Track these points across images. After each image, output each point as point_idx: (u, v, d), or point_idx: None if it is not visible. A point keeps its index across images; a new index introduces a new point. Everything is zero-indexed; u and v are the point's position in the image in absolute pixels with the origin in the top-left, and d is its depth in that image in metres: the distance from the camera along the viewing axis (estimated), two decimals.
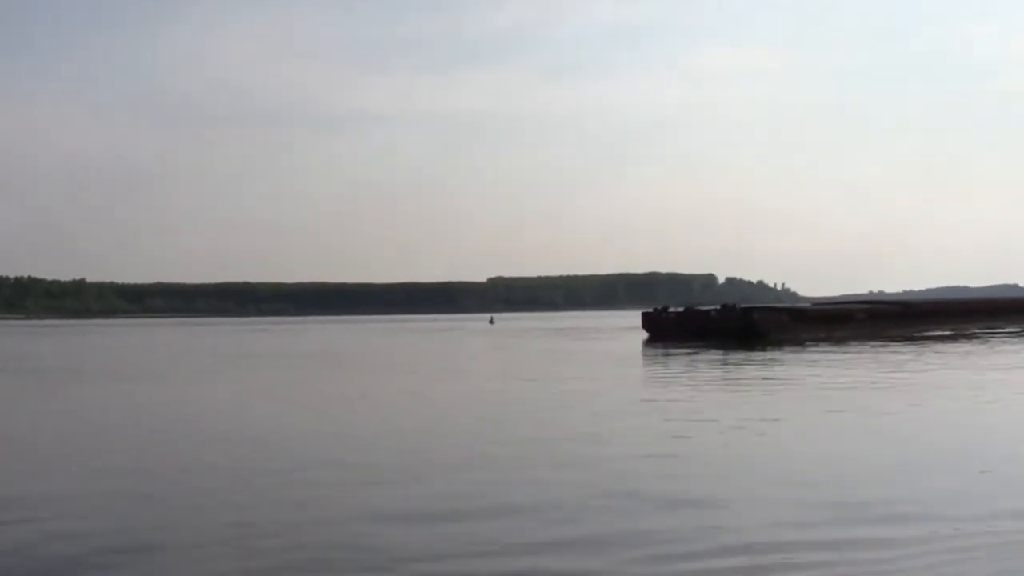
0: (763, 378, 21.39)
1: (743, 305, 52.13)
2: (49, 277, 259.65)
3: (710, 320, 48.28)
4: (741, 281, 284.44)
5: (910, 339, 43.20)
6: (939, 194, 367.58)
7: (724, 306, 50.40)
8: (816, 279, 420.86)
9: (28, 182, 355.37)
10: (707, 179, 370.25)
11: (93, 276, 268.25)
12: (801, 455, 10.72)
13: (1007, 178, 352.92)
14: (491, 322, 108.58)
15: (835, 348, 36.75)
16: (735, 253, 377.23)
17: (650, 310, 52.61)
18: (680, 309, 52.24)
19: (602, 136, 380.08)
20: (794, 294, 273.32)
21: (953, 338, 45.53)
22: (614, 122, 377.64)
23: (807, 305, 69.02)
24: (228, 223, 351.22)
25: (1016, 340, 41.19)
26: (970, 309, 65.68)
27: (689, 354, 33.37)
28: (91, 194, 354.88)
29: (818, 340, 42.99)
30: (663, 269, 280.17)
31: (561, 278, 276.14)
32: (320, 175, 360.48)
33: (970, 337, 45.60)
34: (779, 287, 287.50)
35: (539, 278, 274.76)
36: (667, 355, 34.69)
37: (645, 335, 51.29)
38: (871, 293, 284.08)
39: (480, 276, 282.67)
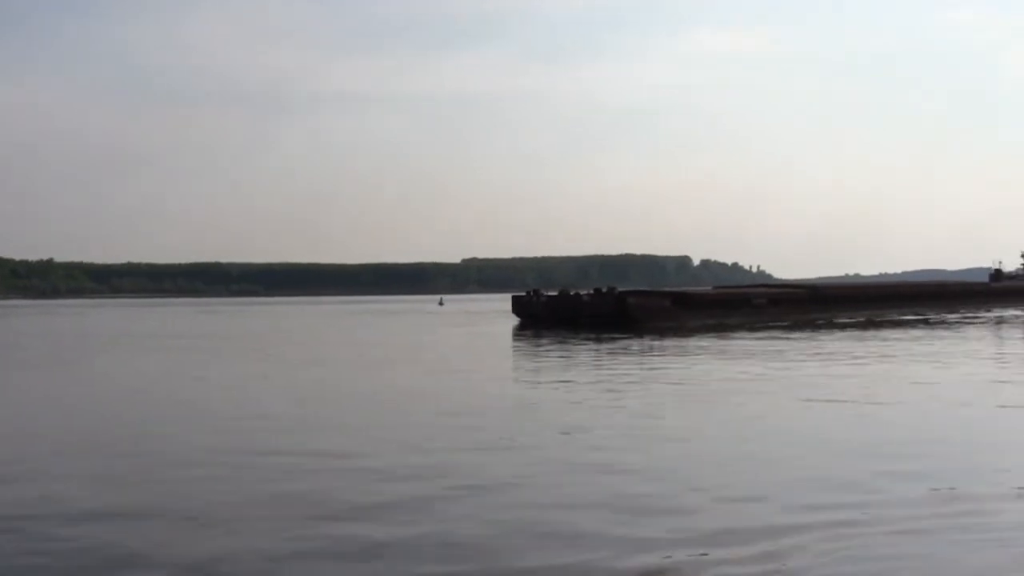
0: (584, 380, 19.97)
1: (621, 289, 47.77)
2: (17, 257, 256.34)
3: (583, 305, 45.16)
4: (716, 263, 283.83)
5: (812, 326, 41.03)
6: (916, 178, 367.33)
7: (597, 290, 46.77)
8: (792, 261, 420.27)
9: None
10: (685, 162, 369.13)
11: (62, 256, 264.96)
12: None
13: (985, 162, 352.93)
14: (440, 303, 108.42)
15: (717, 337, 33.79)
16: (711, 235, 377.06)
17: (521, 294, 50.09)
18: (553, 293, 48.60)
19: (582, 119, 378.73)
20: (769, 276, 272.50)
21: (862, 325, 43.40)
22: (595, 105, 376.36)
23: (707, 289, 65.10)
24: (200, 203, 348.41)
25: (921, 329, 38.98)
26: (888, 294, 63.26)
27: (543, 344, 31.17)
28: (61, 174, 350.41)
29: (707, 328, 40.46)
30: (638, 251, 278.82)
31: (535, 259, 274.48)
32: (296, 156, 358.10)
33: (879, 324, 43.47)
34: (754, 269, 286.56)
35: (513, 259, 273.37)
36: (522, 342, 33.15)
37: (517, 320, 47.51)
38: (847, 276, 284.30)
39: (456, 257, 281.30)
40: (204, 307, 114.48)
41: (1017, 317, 55.39)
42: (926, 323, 44.56)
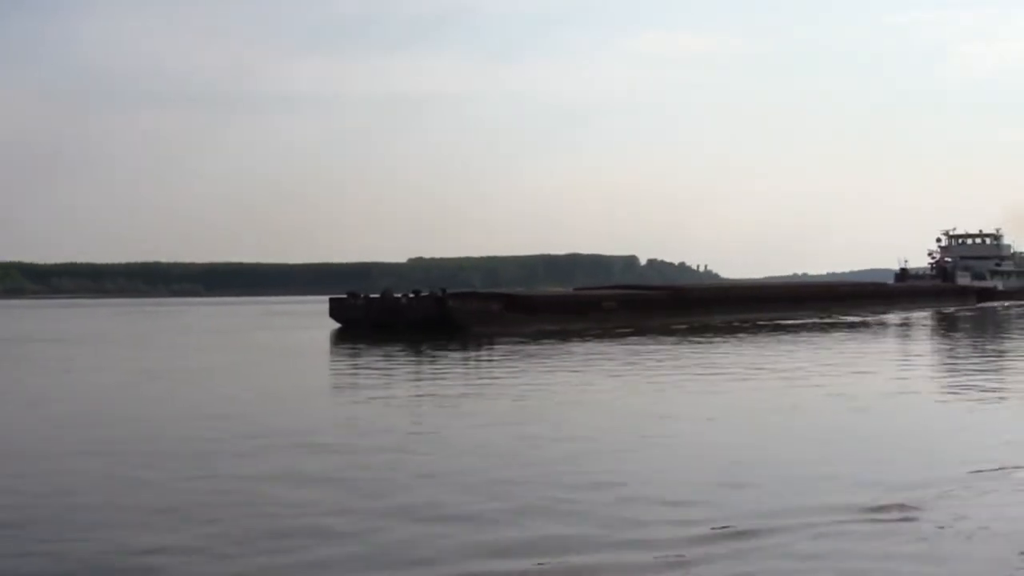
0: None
1: (454, 291, 44.96)
2: None
3: (402, 309, 42.53)
4: (662, 263, 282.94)
5: (667, 332, 39.10)
6: (865, 178, 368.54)
7: (417, 292, 43.91)
8: (740, 261, 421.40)
9: None
10: (632, 162, 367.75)
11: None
12: None
13: (933, 164, 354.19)
14: None
15: (547, 347, 31.40)
16: (658, 235, 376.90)
17: (342, 296, 46.50)
18: (376, 295, 45.47)
19: (530, 118, 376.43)
20: (716, 276, 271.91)
21: (723, 330, 41.42)
22: (543, 104, 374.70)
23: (560, 291, 61.37)
24: (143, 203, 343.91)
25: (786, 335, 37.26)
26: (762, 296, 61.17)
27: (340, 354, 29.51)
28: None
29: (542, 334, 38.06)
30: (585, 251, 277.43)
31: (481, 259, 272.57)
32: (240, 156, 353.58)
33: (735, 330, 41.51)
34: (701, 268, 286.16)
35: (459, 259, 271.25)
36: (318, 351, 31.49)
37: (337, 325, 44.50)
38: (794, 275, 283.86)
39: (402, 257, 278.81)
40: (131, 307, 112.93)
41: (905, 321, 53.59)
42: (791, 329, 42.85)
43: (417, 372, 23.54)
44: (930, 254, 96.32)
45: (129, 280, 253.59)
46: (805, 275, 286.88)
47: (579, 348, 30.51)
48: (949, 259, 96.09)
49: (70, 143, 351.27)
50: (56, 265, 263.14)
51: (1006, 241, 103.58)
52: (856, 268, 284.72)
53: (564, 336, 37.21)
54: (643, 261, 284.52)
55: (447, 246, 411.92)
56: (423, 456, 11.83)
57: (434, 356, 28.33)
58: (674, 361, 25.71)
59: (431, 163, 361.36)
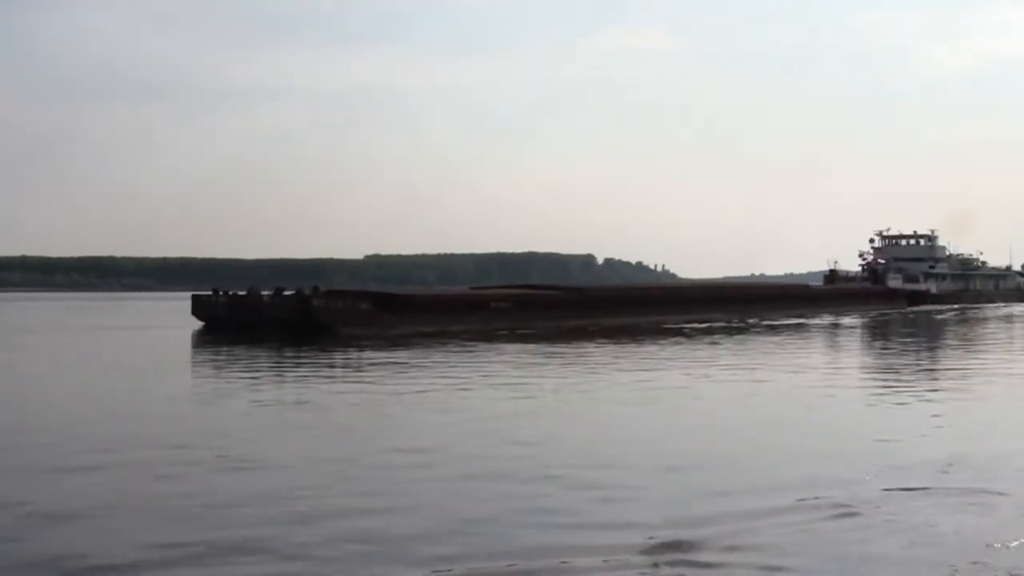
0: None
1: (332, 289, 43.65)
2: None
3: (264, 308, 40.68)
4: (620, 262, 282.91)
5: (563, 338, 36.95)
6: (822, 177, 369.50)
7: (279, 290, 41.81)
8: (698, 261, 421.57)
9: None
10: (591, 160, 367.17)
11: None
12: None
13: (890, 163, 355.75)
14: None
15: (399, 349, 29.91)
16: (616, 234, 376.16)
17: (207, 292, 44.62)
18: (243, 293, 43.34)
19: (486, 115, 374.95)
20: (673, 275, 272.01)
21: (617, 332, 40.01)
22: (499, 102, 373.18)
23: (456, 290, 57.92)
24: (95, 196, 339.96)
25: (681, 344, 35.98)
26: (670, 298, 60.11)
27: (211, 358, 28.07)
28: None
29: (420, 336, 36.37)
30: (541, 249, 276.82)
31: (437, 256, 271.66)
32: (193, 150, 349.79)
33: (632, 333, 40.22)
34: (659, 268, 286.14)
35: (415, 256, 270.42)
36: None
37: (200, 324, 42.70)
38: (752, 275, 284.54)
39: (358, 253, 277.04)
40: (70, 301, 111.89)
41: (815, 327, 51.78)
42: (689, 333, 41.98)
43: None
44: (861, 255, 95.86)
45: (81, 274, 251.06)
46: (763, 276, 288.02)
47: (435, 355, 29.46)
48: (882, 260, 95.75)
49: (21, 136, 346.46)
50: (5, 258, 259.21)
51: (941, 243, 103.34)
52: (814, 269, 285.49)
53: (437, 339, 36.03)
54: (600, 260, 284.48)
55: (404, 243, 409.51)
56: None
57: (244, 359, 26.73)
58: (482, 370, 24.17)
59: (389, 160, 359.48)
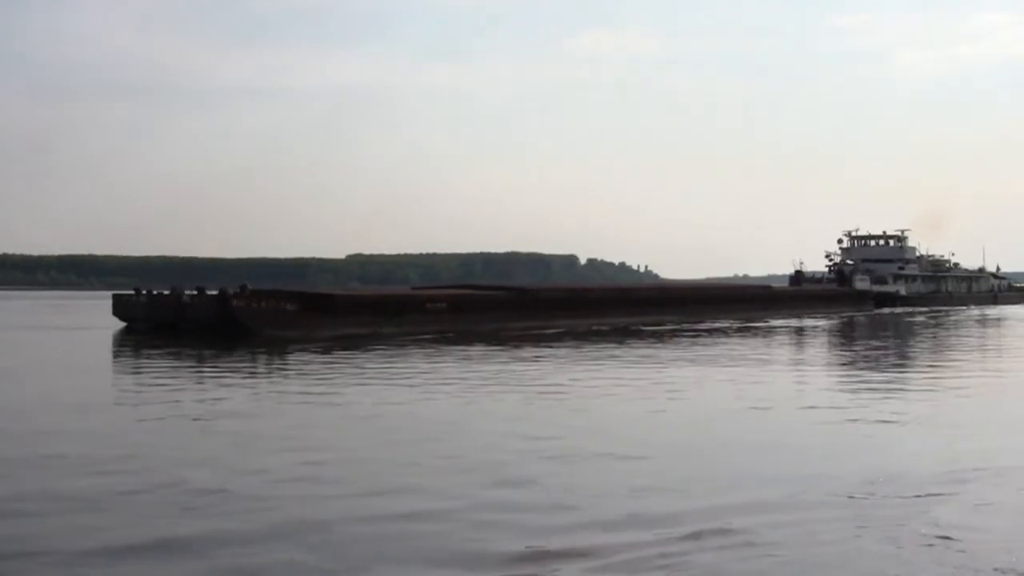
0: None
1: (259, 288, 41.66)
2: None
3: (184, 309, 39.60)
4: (602, 262, 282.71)
5: (495, 341, 36.33)
6: (806, 179, 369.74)
7: (200, 289, 40.51)
8: (680, 261, 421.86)
9: None
10: (573, 160, 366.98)
11: None
12: None
13: (868, 165, 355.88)
14: None
15: (323, 353, 28.94)
16: (598, 235, 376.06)
17: (129, 292, 43.82)
18: (166, 292, 42.25)
19: (469, 116, 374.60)
20: (656, 276, 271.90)
21: (558, 337, 38.77)
22: (482, 102, 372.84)
23: (394, 290, 55.57)
24: (77, 195, 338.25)
25: (607, 345, 35.10)
26: (621, 299, 59.07)
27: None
28: None
29: (346, 339, 35.23)
30: (524, 249, 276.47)
31: (420, 256, 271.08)
32: (177, 149, 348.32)
33: (582, 336, 39.40)
34: (642, 268, 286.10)
35: (397, 256, 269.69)
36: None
37: (121, 324, 41.79)
38: (735, 276, 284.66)
39: (340, 253, 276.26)
40: (53, 300, 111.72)
41: (762, 330, 50.79)
42: (637, 334, 41.41)
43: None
44: (828, 256, 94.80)
45: (62, 273, 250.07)
46: (746, 276, 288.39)
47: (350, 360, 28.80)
48: (850, 261, 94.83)
49: (1, 135, 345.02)
50: None
51: (912, 244, 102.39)
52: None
53: (362, 341, 35.17)
54: (583, 260, 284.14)
55: (386, 243, 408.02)
56: None
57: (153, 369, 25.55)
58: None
59: (371, 159, 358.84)
